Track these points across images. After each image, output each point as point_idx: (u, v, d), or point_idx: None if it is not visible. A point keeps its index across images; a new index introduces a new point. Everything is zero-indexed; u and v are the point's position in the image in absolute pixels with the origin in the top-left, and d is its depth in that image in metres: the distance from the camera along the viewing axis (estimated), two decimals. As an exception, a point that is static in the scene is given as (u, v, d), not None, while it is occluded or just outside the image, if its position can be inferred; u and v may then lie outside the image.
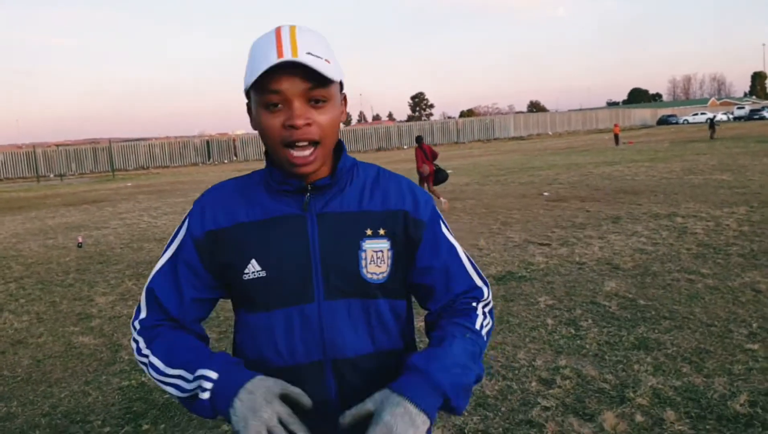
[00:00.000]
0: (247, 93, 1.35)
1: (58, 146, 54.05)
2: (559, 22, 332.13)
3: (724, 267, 6.68)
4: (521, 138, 62.02)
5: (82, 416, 4.10)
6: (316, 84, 1.27)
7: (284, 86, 1.26)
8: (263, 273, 1.35)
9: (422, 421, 1.20)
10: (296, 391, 1.27)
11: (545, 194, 14.70)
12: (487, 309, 1.48)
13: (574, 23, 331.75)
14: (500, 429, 3.54)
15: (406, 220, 1.43)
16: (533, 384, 4.08)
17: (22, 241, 12.47)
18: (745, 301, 5.48)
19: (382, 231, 1.41)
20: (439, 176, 12.90)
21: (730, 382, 3.89)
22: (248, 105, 1.38)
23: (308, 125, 1.28)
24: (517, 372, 4.30)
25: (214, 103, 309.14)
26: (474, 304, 1.46)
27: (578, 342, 4.79)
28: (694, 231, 8.77)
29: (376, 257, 1.39)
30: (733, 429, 3.34)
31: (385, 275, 1.40)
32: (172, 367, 1.32)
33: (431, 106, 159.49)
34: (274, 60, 1.23)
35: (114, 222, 14.61)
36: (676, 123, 77.04)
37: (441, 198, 12.99)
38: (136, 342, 1.41)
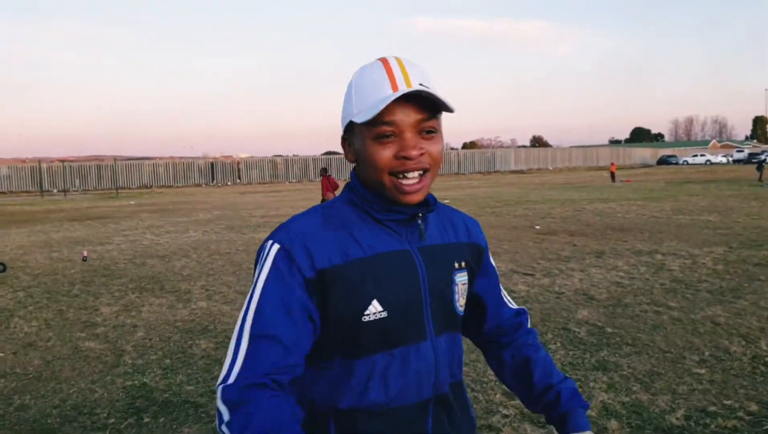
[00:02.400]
0: (347, 126, 1.35)
1: (62, 161, 54.67)
2: (563, 59, 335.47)
3: (691, 301, 7.13)
4: (521, 172, 62.72)
5: (89, 409, 4.54)
6: (430, 115, 1.28)
7: (398, 118, 1.25)
8: (384, 314, 1.30)
9: None
10: None
11: (537, 227, 15.17)
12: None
13: (579, 61, 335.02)
14: (463, 432, 3.98)
15: (474, 249, 1.49)
16: (497, 395, 4.52)
17: (28, 253, 12.93)
18: (703, 332, 5.92)
19: (464, 264, 1.44)
20: None
21: (673, 400, 4.33)
22: (344, 138, 1.38)
23: (421, 154, 1.28)
24: (484, 385, 4.74)
25: (219, 126, 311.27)
26: (527, 324, 1.65)
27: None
28: (671, 268, 9.22)
29: (462, 289, 1.43)
30: (666, 438, 3.78)
31: (463, 306, 1.46)
32: None
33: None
34: (390, 92, 1.24)
35: (117, 238, 15.08)
36: (676, 163, 77.84)
37: None
38: (225, 417, 1.19)
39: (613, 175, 38.70)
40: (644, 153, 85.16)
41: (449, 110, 1.29)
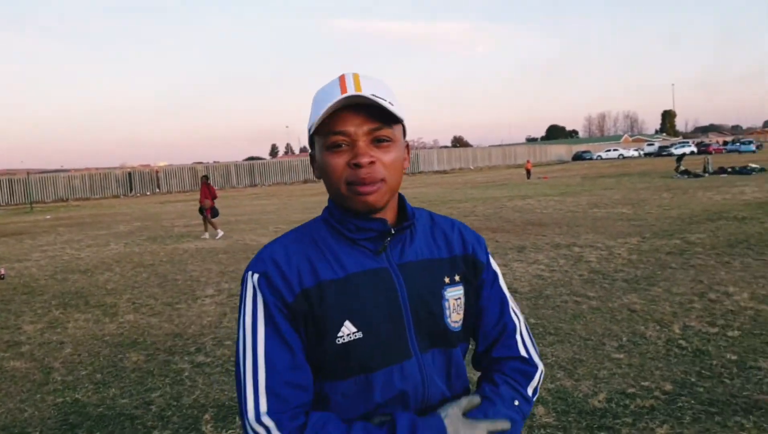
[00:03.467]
0: (311, 141, 1.37)
1: (-31, 176, 52.08)
2: (481, 60, 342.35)
3: (608, 291, 7.51)
4: (444, 172, 63.69)
5: (20, 429, 4.45)
6: (381, 124, 1.28)
7: (349, 127, 1.26)
8: (359, 334, 1.29)
9: None
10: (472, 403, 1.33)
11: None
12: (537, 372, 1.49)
13: (495, 61, 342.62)
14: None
15: (470, 263, 1.44)
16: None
17: (-60, 273, 12.34)
18: (620, 319, 6.27)
19: (457, 277, 1.41)
20: (213, 212, 16.44)
21: (594, 384, 4.59)
22: (311, 155, 1.39)
23: (372, 163, 1.27)
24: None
25: (136, 135, 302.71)
26: (528, 368, 1.47)
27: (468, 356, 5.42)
28: (589, 259, 9.65)
29: (456, 305, 1.39)
30: (589, 420, 4.02)
31: (461, 322, 1.41)
32: None
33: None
34: (338, 96, 1.25)
35: (35, 254, 14.56)
36: (591, 159, 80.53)
37: (218, 228, 16.19)
38: None
39: (528, 172, 39.90)
40: (560, 150, 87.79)
41: (396, 118, 1.29)
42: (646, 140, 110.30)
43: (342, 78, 1.31)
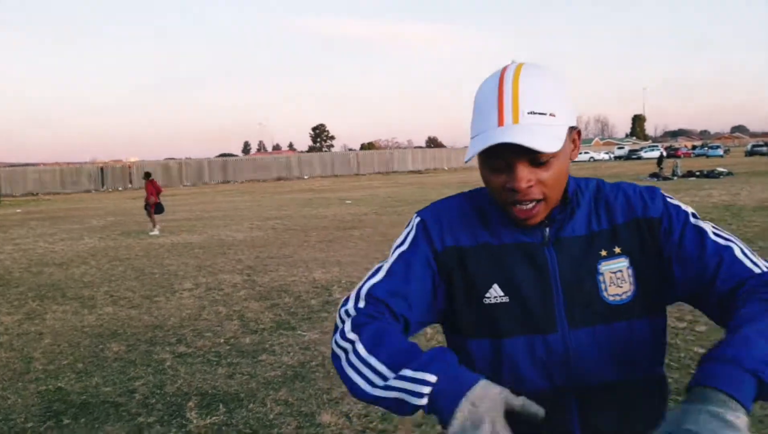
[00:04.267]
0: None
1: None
2: (454, 61, 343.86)
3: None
4: (419, 172, 63.95)
5: (5, 415, 4.49)
6: (541, 153, 1.21)
7: (506, 155, 1.22)
8: (506, 298, 1.31)
9: (736, 417, 0.92)
10: (522, 403, 1.09)
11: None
12: None
13: (470, 62, 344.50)
14: (380, 413, 4.21)
15: (639, 228, 1.34)
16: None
17: None
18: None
19: (617, 249, 1.33)
20: (158, 208, 16.87)
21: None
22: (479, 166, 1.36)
23: (530, 187, 1.24)
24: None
25: (108, 129, 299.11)
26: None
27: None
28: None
29: (615, 278, 1.32)
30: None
31: (629, 294, 1.31)
32: (382, 362, 1.18)
33: (332, 137, 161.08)
34: (494, 137, 1.20)
35: (8, 247, 14.43)
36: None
37: (157, 226, 16.45)
38: (340, 326, 1.29)
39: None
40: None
41: (545, 150, 1.19)
42: (617, 144, 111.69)
43: (501, 83, 1.24)
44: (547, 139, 1.19)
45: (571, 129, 1.29)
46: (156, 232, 16.16)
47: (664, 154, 33.75)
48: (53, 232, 17.60)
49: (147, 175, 17.70)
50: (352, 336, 1.24)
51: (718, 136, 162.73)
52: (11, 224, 21.47)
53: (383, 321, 1.27)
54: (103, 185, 52.14)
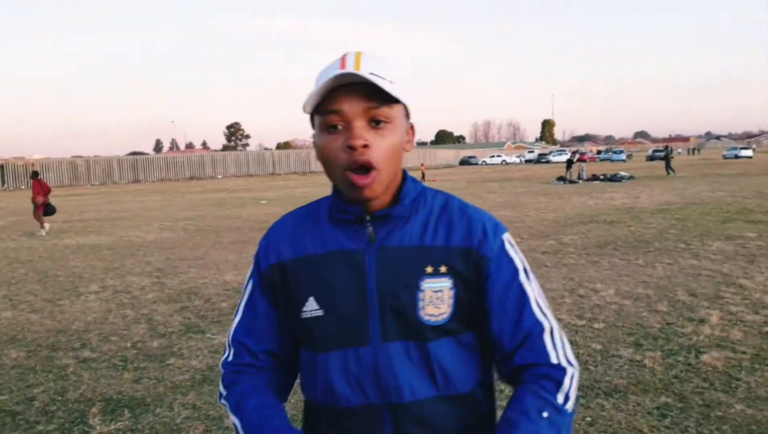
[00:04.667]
0: (312, 122, 1.32)
1: None
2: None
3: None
4: (334, 172, 63.75)
5: None
6: (378, 103, 1.23)
7: (344, 106, 1.22)
8: (320, 312, 1.31)
9: None
10: None
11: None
12: (572, 377, 1.33)
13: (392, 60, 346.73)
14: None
15: (470, 257, 1.31)
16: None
17: None
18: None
19: (443, 268, 1.30)
20: (49, 209, 16.37)
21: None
22: (314, 136, 1.34)
23: (366, 146, 1.22)
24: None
25: (8, 125, 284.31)
26: (548, 375, 1.30)
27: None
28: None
29: (435, 297, 1.29)
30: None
31: (445, 316, 1.29)
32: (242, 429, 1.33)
33: (247, 136, 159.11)
34: (333, 72, 1.21)
35: None
36: (476, 164, 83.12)
37: (45, 225, 15.96)
38: (221, 384, 1.44)
39: (423, 174, 40.91)
40: (448, 154, 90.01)
41: (392, 100, 1.24)
42: (527, 148, 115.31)
43: (343, 57, 1.27)
44: (387, 87, 1.21)
45: (407, 120, 1.34)
46: (43, 233, 15.61)
47: (573, 159, 35.00)
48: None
49: (34, 174, 17.36)
50: (223, 393, 1.41)
51: (622, 141, 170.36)
52: None
53: (246, 381, 1.38)
54: (3, 183, 49.55)
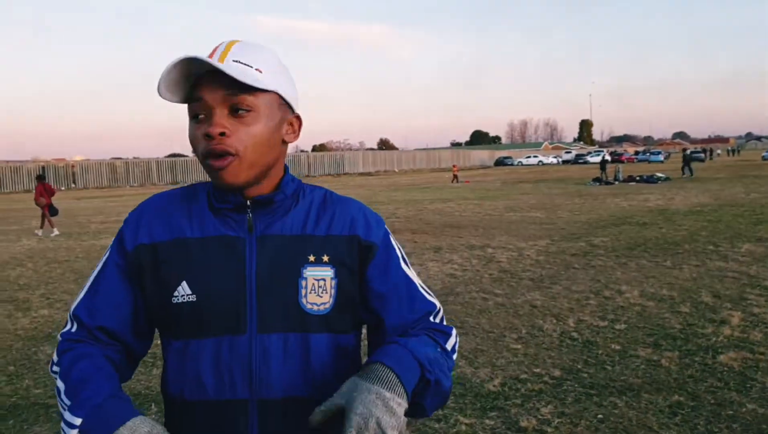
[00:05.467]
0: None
1: None
2: (407, 63, 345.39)
3: (515, 288, 7.97)
4: (369, 174, 64.19)
5: (-70, 418, 4.47)
6: (237, 91, 1.20)
7: (205, 94, 1.21)
8: (193, 298, 1.25)
9: (398, 404, 1.09)
10: None
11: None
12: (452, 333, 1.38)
13: (422, 65, 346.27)
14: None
15: (353, 245, 1.32)
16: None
17: None
18: (522, 314, 6.70)
19: (325, 258, 1.29)
20: (51, 211, 16.90)
21: (492, 371, 4.97)
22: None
23: (223, 134, 1.20)
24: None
25: (49, 127, 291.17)
26: (437, 328, 1.36)
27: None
28: (500, 260, 10.14)
29: (317, 286, 1.28)
30: (483, 401, 4.38)
31: (327, 306, 1.28)
32: (66, 396, 1.19)
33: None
34: (184, 56, 1.20)
35: (-59, 249, 14.05)
36: (512, 164, 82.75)
37: (54, 228, 16.56)
38: (54, 354, 1.31)
39: (456, 176, 40.94)
40: (483, 155, 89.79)
41: (254, 88, 1.22)
42: (565, 148, 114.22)
43: (217, 46, 1.26)
44: (244, 76, 1.19)
45: (290, 112, 1.33)
46: (55, 232, 16.31)
47: (608, 159, 34.73)
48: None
49: (39, 177, 18.13)
50: (54, 361, 1.29)
51: (661, 142, 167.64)
52: (-54, 224, 20.85)
53: (80, 348, 1.28)
54: (45, 184, 50.77)
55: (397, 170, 69.80)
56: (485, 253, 10.92)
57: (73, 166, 54.35)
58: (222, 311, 1.25)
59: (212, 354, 1.25)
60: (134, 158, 63.35)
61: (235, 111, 1.22)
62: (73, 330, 1.32)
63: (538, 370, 4.96)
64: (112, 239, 1.37)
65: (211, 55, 1.22)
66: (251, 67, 1.22)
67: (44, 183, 17.44)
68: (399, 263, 1.37)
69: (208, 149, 1.21)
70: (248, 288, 1.25)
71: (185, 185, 1.44)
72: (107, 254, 1.35)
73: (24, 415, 4.46)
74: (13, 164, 53.08)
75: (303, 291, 1.27)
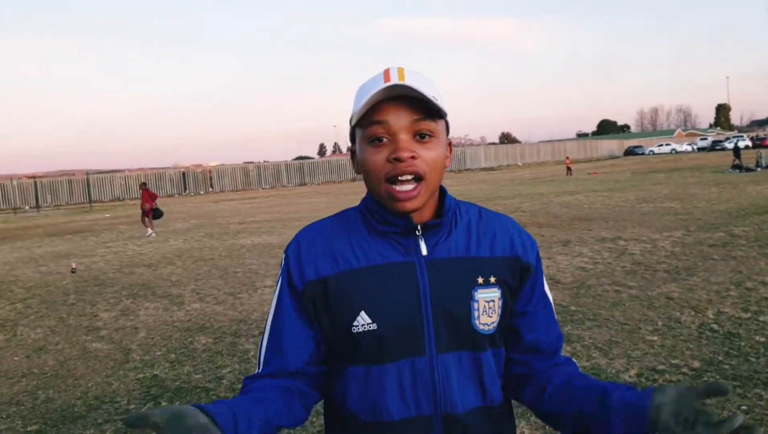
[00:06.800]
0: (352, 135, 1.34)
1: (31, 178, 54.21)
2: (529, 55, 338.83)
3: (649, 280, 7.78)
4: (492, 169, 63.66)
5: (110, 398, 5.04)
6: (423, 116, 1.24)
7: (390, 117, 1.23)
8: (374, 326, 1.28)
9: None
10: None
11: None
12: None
13: (545, 56, 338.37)
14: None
15: (515, 267, 1.37)
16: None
17: (16, 268, 13.23)
18: (658, 306, 6.57)
19: (493, 279, 1.34)
20: (157, 213, 18.89)
21: (627, 362, 4.94)
22: (352, 150, 1.37)
23: (413, 158, 1.23)
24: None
25: (188, 135, 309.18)
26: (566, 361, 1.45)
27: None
28: (632, 252, 9.90)
29: (488, 307, 1.32)
30: (620, 392, 4.38)
31: (494, 325, 1.34)
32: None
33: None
34: (381, 85, 1.22)
35: (101, 250, 15.42)
36: (642, 154, 79.36)
37: (153, 230, 18.40)
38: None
39: (569, 169, 40.11)
40: (611, 145, 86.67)
41: (439, 112, 1.26)
42: (700, 135, 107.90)
43: (387, 71, 1.27)
44: (433, 101, 1.23)
45: (446, 135, 1.35)
46: (153, 234, 18.05)
47: (747, 144, 32.49)
48: (141, 235, 18.61)
49: (143, 184, 20.25)
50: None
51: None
52: (101, 228, 22.79)
53: (263, 389, 1.28)
54: (185, 189, 54.12)
55: (520, 164, 68.78)
56: (617, 245, 10.68)
57: (210, 171, 57.49)
58: (403, 336, 1.29)
59: (396, 378, 1.29)
60: (264, 161, 66.11)
61: (419, 136, 1.26)
62: (263, 371, 1.36)
63: (676, 361, 4.88)
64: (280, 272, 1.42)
65: (386, 77, 1.25)
66: (429, 94, 1.24)
67: (148, 190, 19.40)
68: (544, 282, 1.44)
69: (396, 171, 1.24)
70: (425, 312, 1.29)
71: (333, 208, 1.54)
72: (277, 292, 1.38)
73: (188, 397, 4.93)
74: (157, 170, 56.92)
75: (476, 313, 1.31)
